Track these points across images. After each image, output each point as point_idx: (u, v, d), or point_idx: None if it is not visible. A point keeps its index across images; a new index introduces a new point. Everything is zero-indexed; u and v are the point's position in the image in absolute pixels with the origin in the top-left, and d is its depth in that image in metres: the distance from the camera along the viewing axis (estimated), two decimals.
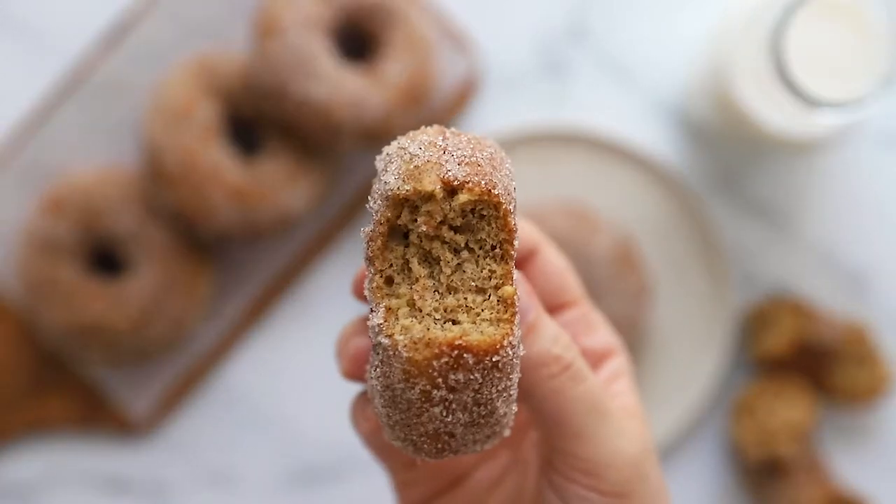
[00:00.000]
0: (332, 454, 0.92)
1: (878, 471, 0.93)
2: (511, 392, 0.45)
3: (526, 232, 0.54)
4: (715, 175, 0.93)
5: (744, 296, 0.93)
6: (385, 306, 0.45)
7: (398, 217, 0.45)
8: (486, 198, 0.44)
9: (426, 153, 0.44)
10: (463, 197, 0.44)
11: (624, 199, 0.91)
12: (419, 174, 0.44)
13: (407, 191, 0.44)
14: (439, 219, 0.44)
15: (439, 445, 0.45)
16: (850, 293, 0.93)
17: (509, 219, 0.45)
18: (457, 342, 0.43)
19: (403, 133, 0.86)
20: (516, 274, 0.46)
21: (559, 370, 0.50)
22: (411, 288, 0.45)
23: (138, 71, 0.89)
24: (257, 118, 0.87)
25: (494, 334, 0.44)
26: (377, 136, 0.84)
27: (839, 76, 0.78)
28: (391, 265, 0.45)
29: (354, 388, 0.56)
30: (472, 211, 0.44)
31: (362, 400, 0.53)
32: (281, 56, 0.82)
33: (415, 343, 0.44)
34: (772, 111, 0.81)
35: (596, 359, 0.55)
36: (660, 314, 0.91)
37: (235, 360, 0.92)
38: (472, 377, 0.43)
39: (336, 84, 0.82)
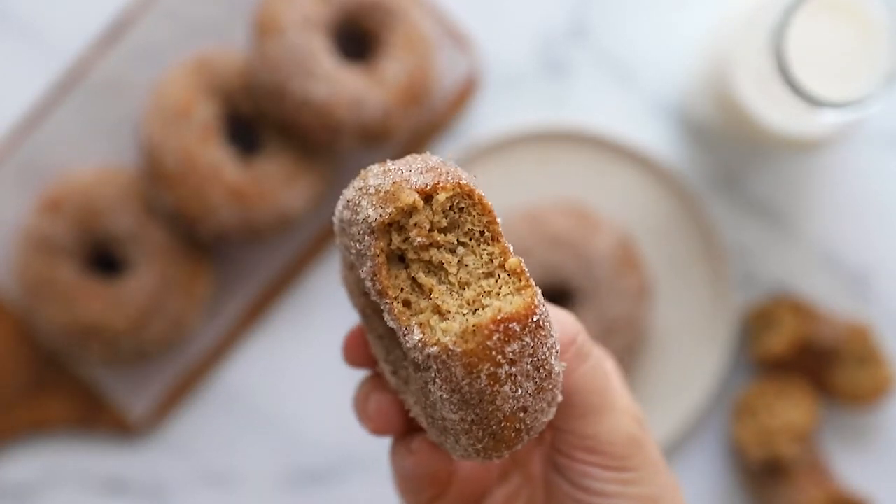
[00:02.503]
0: (332, 454, 0.92)
1: (879, 471, 0.93)
2: (557, 347, 0.47)
3: None
4: (715, 175, 0.93)
5: (745, 296, 0.93)
6: (416, 322, 0.47)
7: (390, 244, 0.47)
8: (459, 189, 0.46)
9: (388, 178, 0.47)
10: (441, 196, 0.46)
11: (624, 199, 0.91)
12: (394, 194, 0.46)
13: (391, 213, 0.46)
14: (428, 226, 0.47)
15: (518, 426, 0.47)
16: (852, 293, 0.93)
17: (485, 201, 0.47)
18: (499, 317, 0.45)
19: (403, 133, 0.86)
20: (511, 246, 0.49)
21: (563, 347, 0.51)
22: (430, 299, 0.47)
23: (137, 70, 0.89)
24: (257, 118, 0.87)
25: (525, 299, 0.46)
26: (377, 135, 0.84)
27: (840, 75, 0.78)
28: (402, 289, 0.47)
29: (354, 389, 0.55)
30: (452, 208, 0.47)
31: (403, 437, 0.54)
32: (280, 55, 0.82)
33: (462, 336, 0.46)
34: (772, 111, 0.80)
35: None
36: (660, 314, 0.91)
37: (235, 361, 0.92)
38: (525, 342, 0.46)
39: (336, 83, 0.82)
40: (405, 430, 0.53)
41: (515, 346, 0.46)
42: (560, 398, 0.49)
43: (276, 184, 0.85)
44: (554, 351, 0.47)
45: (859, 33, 0.77)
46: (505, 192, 0.90)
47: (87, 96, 0.89)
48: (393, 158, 0.50)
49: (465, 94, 0.91)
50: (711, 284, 0.91)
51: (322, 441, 0.92)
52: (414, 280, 0.47)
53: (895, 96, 0.77)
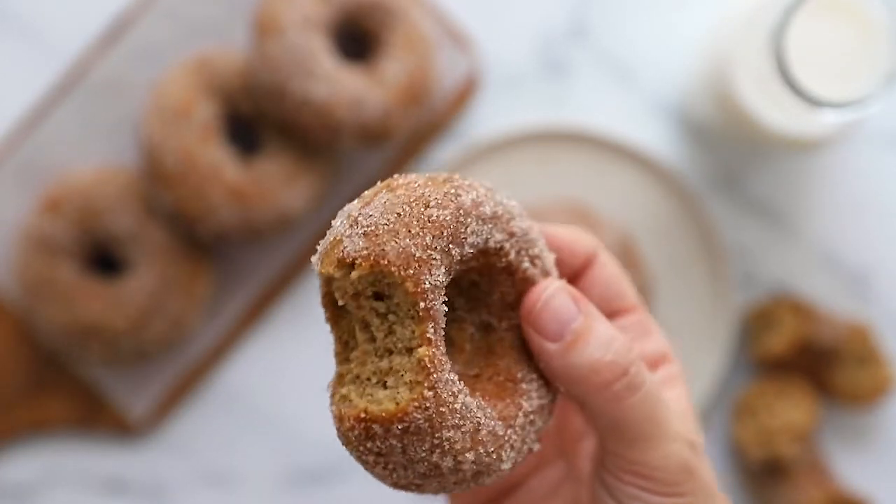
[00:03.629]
0: (332, 454, 0.92)
1: (879, 471, 0.93)
2: (449, 445, 0.46)
3: (582, 240, 0.53)
4: (715, 175, 0.93)
5: (745, 296, 0.93)
6: (337, 373, 0.47)
7: (331, 291, 0.47)
8: (377, 269, 0.44)
9: (338, 229, 0.46)
10: (355, 274, 0.45)
11: (624, 199, 0.91)
12: (325, 256, 0.46)
13: (317, 271, 0.46)
14: (351, 292, 0.46)
15: (415, 491, 0.47)
16: (852, 293, 0.93)
17: (407, 284, 0.45)
18: (361, 415, 0.45)
19: (403, 133, 0.86)
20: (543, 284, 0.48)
21: (613, 378, 0.48)
22: (354, 354, 0.47)
23: (137, 70, 0.89)
24: (257, 118, 0.87)
25: (402, 401, 0.45)
26: (377, 135, 0.84)
27: (840, 75, 0.78)
28: (344, 331, 0.47)
29: None
30: (378, 280, 0.45)
31: None
32: (280, 55, 0.82)
33: (339, 416, 0.47)
34: (772, 111, 0.80)
35: (649, 365, 0.54)
36: (660, 314, 0.91)
37: (235, 361, 0.92)
38: (389, 443, 0.45)
39: (336, 83, 0.82)
40: None
41: (378, 443, 0.45)
42: (507, 467, 0.48)
43: (276, 184, 0.85)
44: (439, 451, 0.45)
45: (859, 33, 0.77)
46: (505, 192, 0.90)
47: (87, 96, 0.89)
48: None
49: (465, 94, 0.91)
50: (711, 284, 0.91)
51: (322, 441, 0.92)
52: (353, 329, 0.47)
53: (895, 96, 0.77)
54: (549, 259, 0.51)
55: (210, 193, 0.84)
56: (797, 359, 0.91)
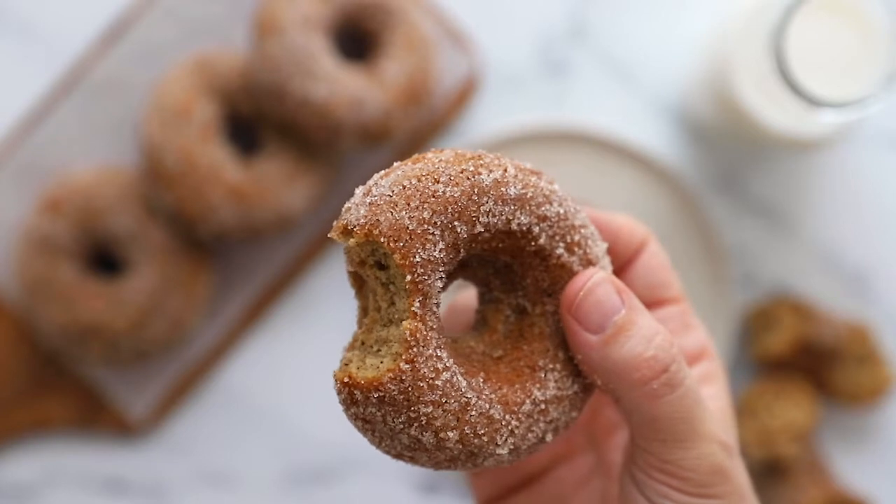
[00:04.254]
0: (332, 454, 0.92)
1: (879, 471, 0.93)
2: (427, 420, 0.46)
3: (634, 227, 0.53)
4: (716, 175, 0.93)
5: (745, 295, 0.93)
6: (353, 337, 0.48)
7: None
8: (370, 239, 0.45)
9: (353, 199, 0.47)
10: (352, 241, 0.46)
11: (625, 199, 0.91)
12: (337, 223, 0.47)
13: (331, 237, 0.48)
14: (357, 260, 0.47)
15: (409, 462, 0.48)
16: (852, 293, 0.93)
17: (396, 255, 0.45)
18: (344, 380, 0.46)
19: (403, 133, 0.86)
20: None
21: (652, 374, 0.47)
22: (364, 321, 0.48)
23: (137, 70, 0.89)
24: (257, 118, 0.87)
25: (381, 371, 0.46)
26: (377, 135, 0.84)
27: (840, 76, 0.78)
28: (365, 298, 0.49)
29: None
30: (375, 251, 0.47)
31: None
32: (280, 55, 0.82)
33: (334, 378, 0.47)
34: (772, 111, 0.80)
35: (688, 359, 0.53)
36: None
37: (235, 361, 0.92)
38: (369, 411, 0.46)
39: (335, 83, 0.82)
40: None
41: (361, 409, 0.46)
42: (503, 451, 0.48)
43: (276, 184, 0.85)
44: (416, 425, 0.46)
45: (859, 34, 0.77)
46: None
47: (87, 96, 0.89)
48: (392, 159, 0.49)
49: (465, 94, 0.91)
50: (711, 284, 0.91)
51: (322, 441, 0.92)
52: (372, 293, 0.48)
53: (894, 96, 0.77)
54: (598, 248, 0.50)
55: (210, 193, 0.84)
56: (797, 359, 0.91)
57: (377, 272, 0.47)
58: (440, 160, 0.47)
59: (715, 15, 0.89)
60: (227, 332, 0.92)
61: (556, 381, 0.49)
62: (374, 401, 0.46)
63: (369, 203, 0.46)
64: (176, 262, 0.87)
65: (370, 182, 0.47)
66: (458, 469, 0.48)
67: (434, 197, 0.46)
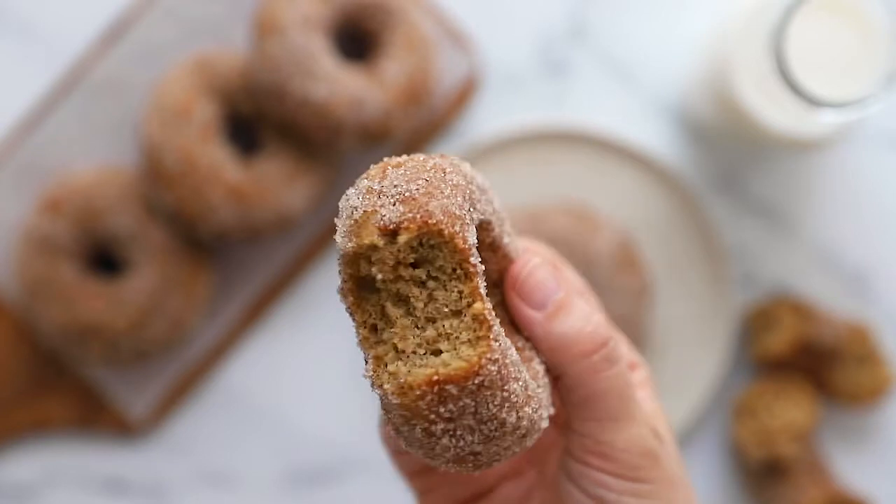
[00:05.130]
0: (332, 454, 0.92)
1: (879, 471, 0.93)
2: (515, 398, 0.45)
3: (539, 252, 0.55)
4: (715, 175, 0.93)
5: (745, 295, 0.93)
6: (373, 356, 0.46)
7: (359, 271, 0.46)
8: (425, 230, 0.44)
9: (363, 203, 0.45)
10: (402, 238, 0.44)
11: (624, 199, 0.91)
12: (358, 229, 0.45)
13: (352, 247, 0.45)
14: (392, 263, 0.45)
15: (469, 465, 0.46)
16: (852, 293, 0.93)
17: (456, 240, 0.45)
18: (433, 378, 0.44)
19: (403, 133, 0.86)
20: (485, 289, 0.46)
21: (593, 347, 0.50)
22: (392, 331, 0.45)
23: (137, 70, 0.89)
24: (257, 118, 0.87)
25: (471, 357, 0.44)
26: (377, 135, 0.84)
27: (840, 75, 0.78)
28: (371, 314, 0.46)
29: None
30: (421, 244, 0.45)
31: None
32: (280, 55, 0.82)
33: (401, 388, 0.44)
34: (772, 111, 0.81)
35: None
36: (660, 314, 0.91)
37: (235, 361, 0.92)
38: (463, 403, 0.44)
39: (335, 84, 0.82)
40: None
41: (451, 406, 0.44)
42: (545, 425, 0.48)
43: (275, 184, 0.85)
44: (507, 405, 0.45)
45: (859, 34, 0.77)
46: (505, 192, 0.90)
47: (87, 96, 0.89)
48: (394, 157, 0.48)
49: (465, 94, 0.91)
50: (711, 284, 0.91)
51: (322, 440, 0.92)
52: (383, 307, 0.46)
53: (895, 96, 0.77)
54: (516, 238, 0.52)
55: (210, 193, 0.84)
56: (797, 359, 0.91)
57: (412, 272, 0.45)
58: (422, 159, 0.47)
59: (715, 15, 0.89)
60: (227, 331, 0.92)
61: (538, 356, 0.51)
62: (472, 389, 0.44)
63: (399, 200, 0.44)
64: (176, 262, 0.87)
65: (369, 188, 0.45)
66: (508, 456, 0.47)
67: (455, 186, 0.46)
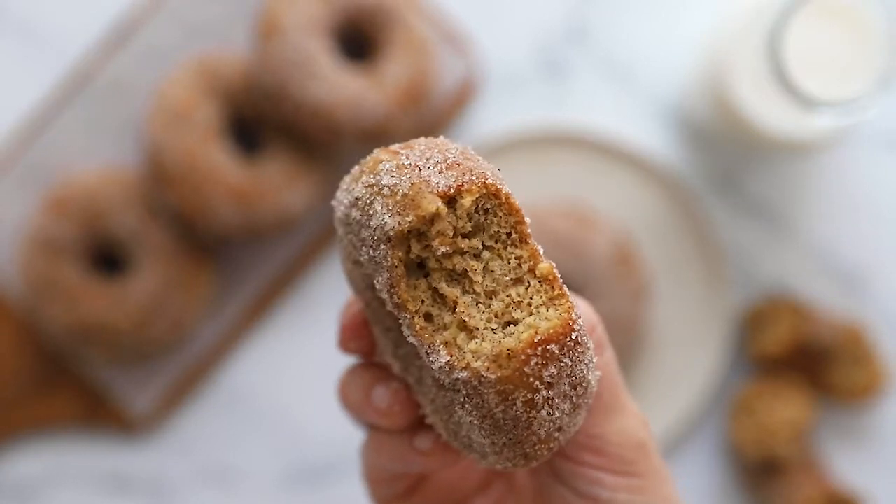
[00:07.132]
0: (333, 453, 0.92)
1: (875, 469, 0.93)
2: (594, 359, 0.44)
3: None
4: (714, 175, 0.93)
5: (742, 295, 0.93)
6: (441, 342, 0.42)
7: (408, 253, 0.42)
8: (485, 190, 0.42)
9: (405, 178, 0.42)
10: (466, 200, 0.41)
11: (623, 200, 0.91)
12: (414, 200, 0.41)
13: (411, 222, 0.41)
14: (452, 232, 0.42)
15: (551, 445, 0.44)
16: (848, 293, 0.93)
17: (512, 200, 0.43)
18: (536, 339, 0.41)
19: (403, 135, 0.87)
20: (540, 248, 0.44)
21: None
22: (454, 312, 0.42)
23: (140, 72, 0.89)
24: (258, 119, 0.87)
25: (562, 314, 0.42)
26: (377, 136, 0.84)
27: (837, 77, 0.78)
28: (423, 301, 0.43)
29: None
30: (477, 210, 0.42)
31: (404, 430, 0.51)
32: (281, 57, 0.82)
33: (496, 361, 0.41)
34: (770, 112, 0.81)
35: None
36: (658, 314, 0.92)
37: (236, 360, 0.92)
38: (563, 363, 0.41)
39: (336, 85, 0.83)
40: (413, 425, 0.50)
41: (554, 368, 0.41)
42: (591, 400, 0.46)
43: (277, 184, 0.86)
44: (591, 364, 0.43)
45: (856, 36, 0.78)
46: None
47: (91, 98, 0.90)
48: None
49: (464, 96, 0.92)
50: (709, 284, 0.91)
51: (323, 439, 0.92)
52: (436, 291, 0.43)
53: (892, 97, 0.77)
54: None
55: (212, 194, 0.84)
56: (793, 358, 0.91)
57: (469, 242, 0.43)
58: (423, 139, 0.45)
59: (713, 17, 0.90)
60: (228, 331, 0.92)
61: None
62: (570, 345, 0.42)
63: (443, 168, 0.42)
64: (178, 262, 0.87)
65: (399, 163, 0.42)
66: (569, 437, 0.45)
67: (472, 159, 0.44)
